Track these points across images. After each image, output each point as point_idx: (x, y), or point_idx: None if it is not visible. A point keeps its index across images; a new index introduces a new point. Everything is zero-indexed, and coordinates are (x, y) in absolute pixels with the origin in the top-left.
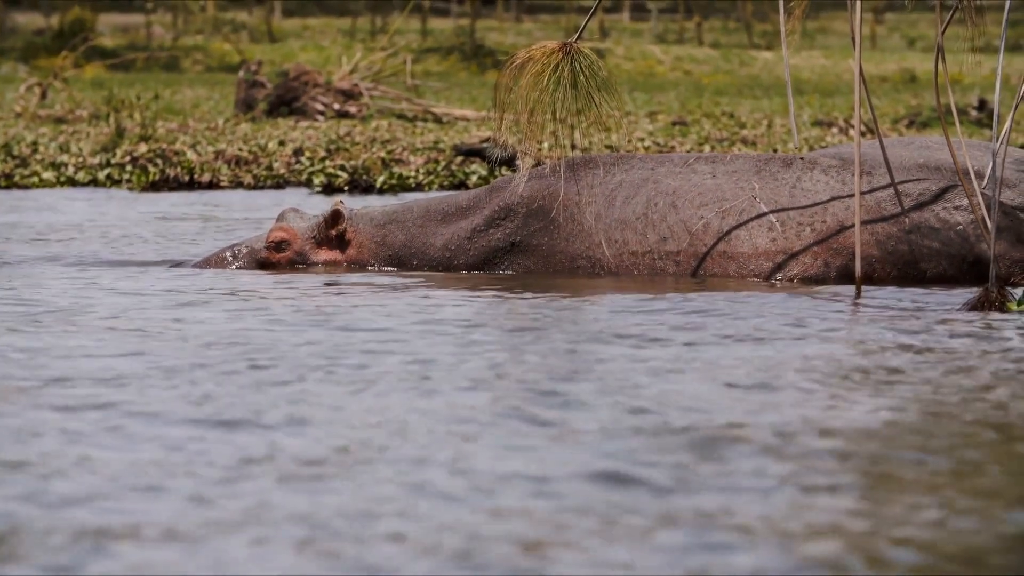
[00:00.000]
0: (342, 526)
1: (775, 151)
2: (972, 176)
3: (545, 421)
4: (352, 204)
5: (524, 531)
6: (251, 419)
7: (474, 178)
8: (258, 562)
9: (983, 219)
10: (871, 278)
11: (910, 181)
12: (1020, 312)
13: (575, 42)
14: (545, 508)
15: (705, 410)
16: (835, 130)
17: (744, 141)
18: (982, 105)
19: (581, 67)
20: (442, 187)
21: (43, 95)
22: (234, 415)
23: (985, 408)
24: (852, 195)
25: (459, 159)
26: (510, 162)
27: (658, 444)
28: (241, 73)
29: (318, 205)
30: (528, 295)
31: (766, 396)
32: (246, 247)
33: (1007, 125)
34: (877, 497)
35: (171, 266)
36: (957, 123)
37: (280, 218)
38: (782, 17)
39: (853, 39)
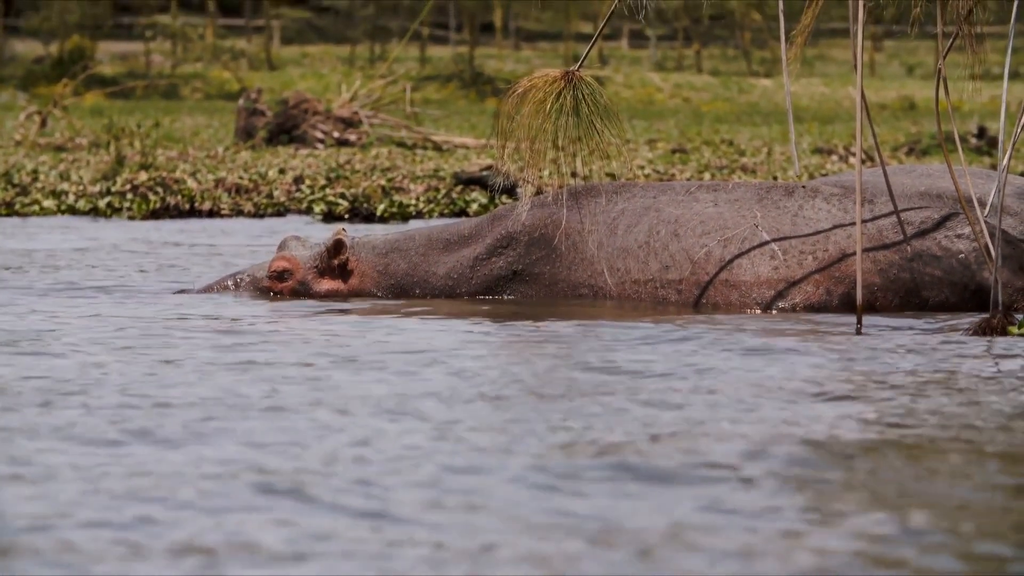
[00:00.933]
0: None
1: (775, 179)
2: (975, 204)
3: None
4: (353, 232)
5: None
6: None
7: (475, 206)
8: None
9: (986, 247)
10: (873, 306)
11: (912, 209)
12: (1022, 335)
13: (577, 70)
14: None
15: (690, 432)
16: (835, 157)
17: (744, 169)
18: (981, 133)
19: (583, 95)
20: (443, 215)
21: (43, 123)
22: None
23: (987, 433)
24: (854, 223)
25: (459, 187)
26: (511, 190)
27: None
28: (241, 101)
29: (319, 233)
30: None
31: (758, 422)
32: (248, 276)
33: (1008, 153)
34: (861, 522)
35: (174, 294)
36: (960, 151)
37: (282, 246)
38: (783, 45)
39: (855, 66)
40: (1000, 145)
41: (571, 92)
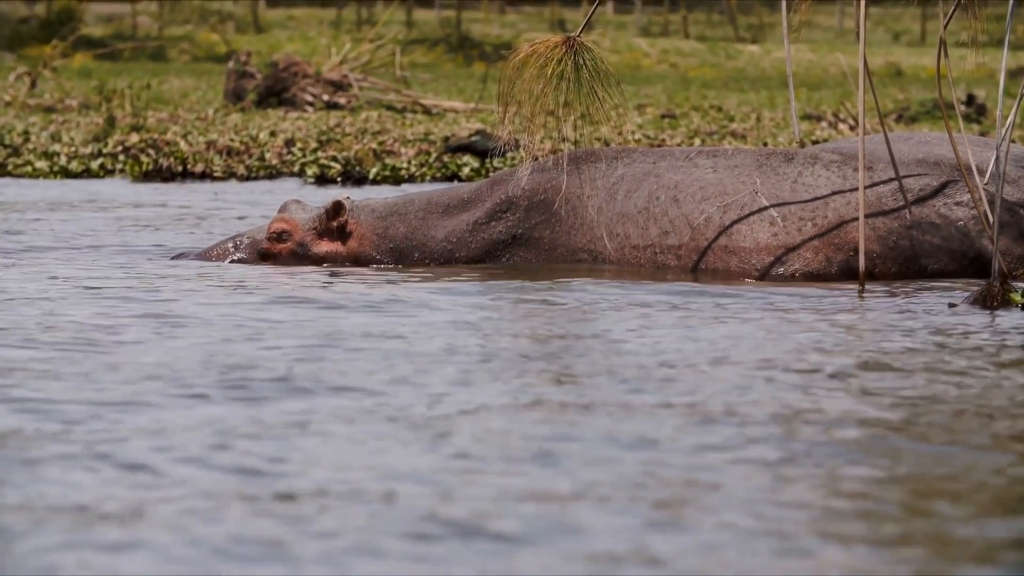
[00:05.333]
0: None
1: (765, 144)
2: (975, 172)
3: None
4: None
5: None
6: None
7: (466, 170)
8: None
9: (985, 214)
10: (872, 273)
11: (910, 176)
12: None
13: (577, 36)
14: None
15: (694, 394)
16: (824, 124)
17: (734, 134)
18: (970, 100)
19: (584, 61)
20: (435, 179)
21: (32, 84)
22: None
23: (988, 402)
24: (853, 190)
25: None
26: (505, 155)
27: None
28: (231, 63)
29: (311, 196)
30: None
31: (760, 387)
32: (247, 238)
33: (1009, 121)
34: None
35: (172, 257)
36: (960, 119)
37: (282, 209)
38: (784, 10)
39: (857, 34)
40: (1000, 113)
41: (571, 58)
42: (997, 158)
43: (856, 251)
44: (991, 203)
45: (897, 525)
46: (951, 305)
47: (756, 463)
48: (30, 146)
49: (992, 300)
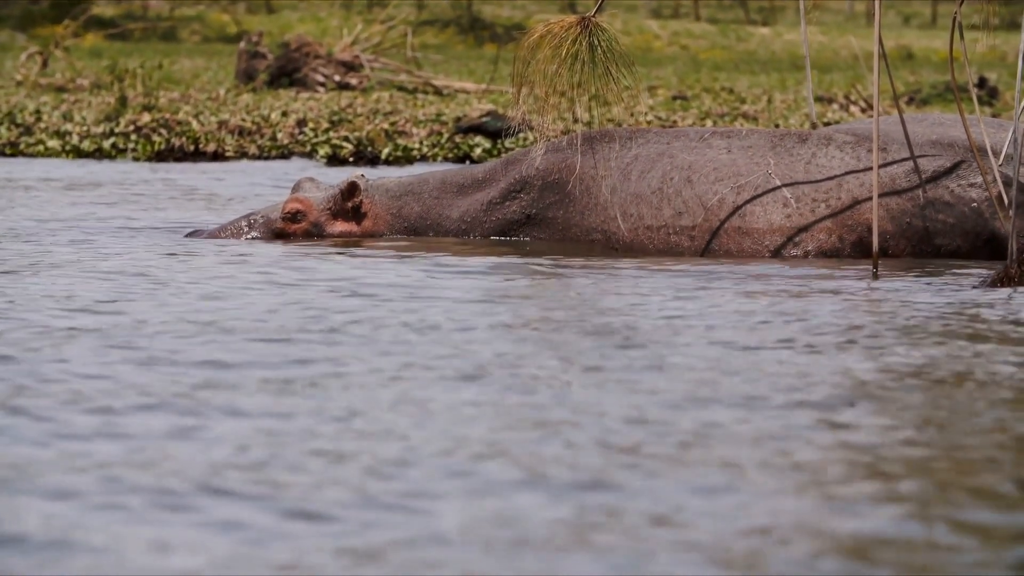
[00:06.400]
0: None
1: (777, 126)
2: (989, 153)
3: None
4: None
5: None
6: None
7: (478, 151)
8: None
9: (999, 196)
10: (885, 253)
11: (924, 157)
12: None
13: (593, 16)
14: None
15: (695, 376)
16: (835, 106)
17: (745, 116)
18: (982, 83)
19: (599, 41)
20: (447, 159)
21: (44, 64)
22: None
23: (1001, 382)
24: (866, 171)
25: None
26: (517, 135)
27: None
28: (242, 44)
29: (323, 176)
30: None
31: (771, 362)
32: (262, 217)
33: (1022, 103)
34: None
35: (186, 235)
36: (975, 101)
37: (296, 187)
38: None
39: (871, 15)
40: (1017, 95)
41: (587, 38)
42: (1013, 139)
43: (869, 231)
44: (1006, 185)
45: (903, 507)
46: (972, 288)
47: (760, 437)
48: (42, 125)
49: (1009, 282)
